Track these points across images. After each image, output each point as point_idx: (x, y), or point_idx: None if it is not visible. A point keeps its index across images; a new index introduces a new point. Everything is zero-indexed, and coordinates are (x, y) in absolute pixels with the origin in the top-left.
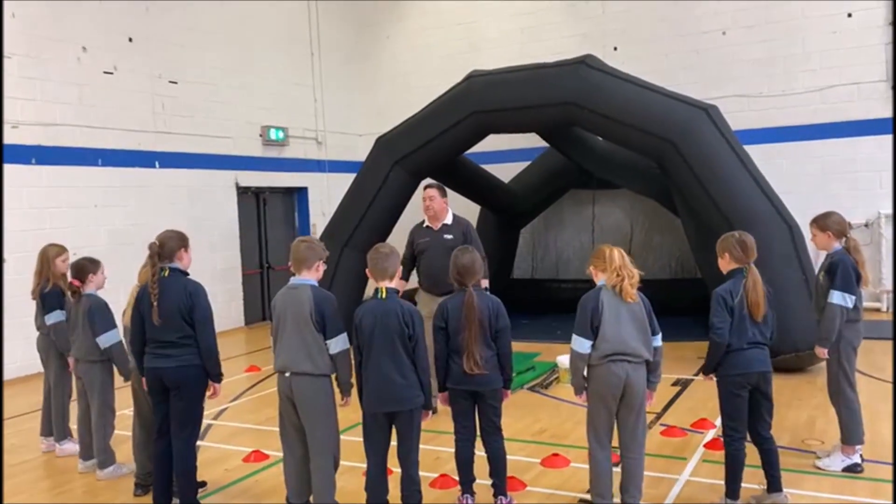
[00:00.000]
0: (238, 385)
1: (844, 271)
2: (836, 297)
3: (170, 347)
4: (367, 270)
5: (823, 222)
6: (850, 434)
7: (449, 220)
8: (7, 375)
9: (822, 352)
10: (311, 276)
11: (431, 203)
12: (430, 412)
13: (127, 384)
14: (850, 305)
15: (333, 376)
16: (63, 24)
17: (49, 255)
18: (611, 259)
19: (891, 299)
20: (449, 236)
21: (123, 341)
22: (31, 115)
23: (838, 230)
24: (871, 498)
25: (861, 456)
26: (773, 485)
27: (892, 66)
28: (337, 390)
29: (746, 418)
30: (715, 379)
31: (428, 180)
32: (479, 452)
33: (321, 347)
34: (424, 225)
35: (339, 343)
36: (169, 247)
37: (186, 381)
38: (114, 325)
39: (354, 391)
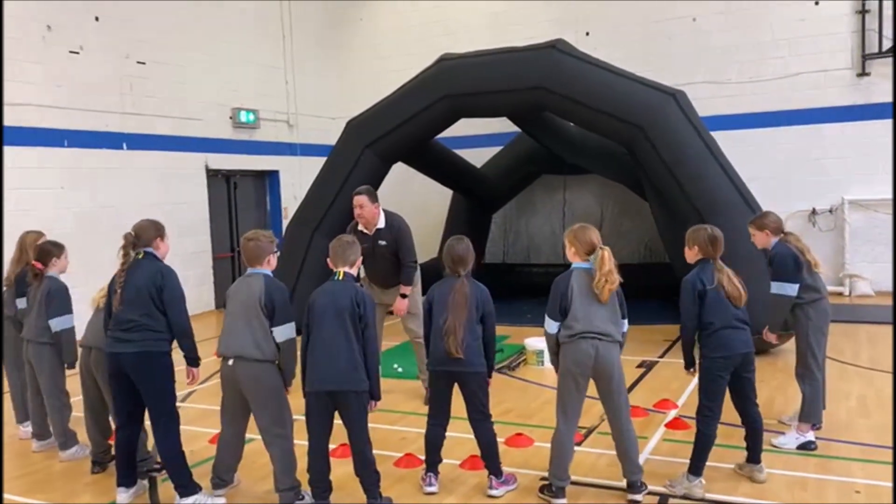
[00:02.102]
0: (206, 368)
1: (779, 262)
2: (774, 287)
3: (131, 330)
4: (328, 259)
5: (761, 222)
6: (811, 413)
7: (382, 223)
8: None
9: (770, 336)
10: (264, 269)
11: (362, 211)
12: (375, 402)
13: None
14: (791, 293)
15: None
16: (27, 2)
17: (27, 243)
18: (601, 262)
19: (853, 283)
20: (383, 242)
21: (75, 328)
22: None
23: (775, 228)
24: (822, 474)
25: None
26: (754, 457)
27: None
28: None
29: (723, 399)
30: (698, 361)
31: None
32: (450, 433)
33: (267, 334)
34: (359, 228)
35: (285, 331)
36: (145, 237)
37: (145, 369)
38: (69, 311)
39: (297, 382)
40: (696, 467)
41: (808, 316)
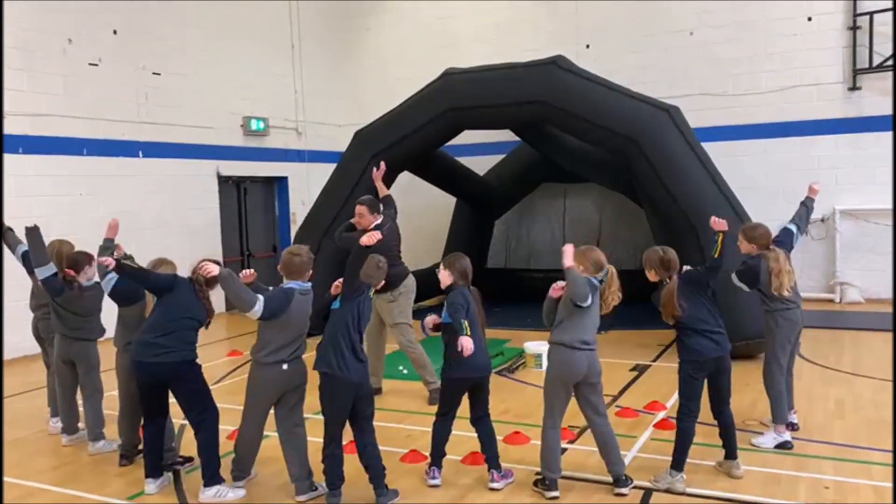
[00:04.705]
0: (220, 369)
1: (743, 270)
2: (734, 279)
3: (165, 338)
4: (360, 272)
5: (752, 235)
6: (777, 414)
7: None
8: None
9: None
10: (307, 282)
11: (361, 220)
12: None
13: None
14: (745, 290)
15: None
16: (49, 17)
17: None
18: (611, 279)
19: (843, 290)
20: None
21: None
22: (18, 106)
23: (763, 243)
24: (796, 471)
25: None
26: (729, 453)
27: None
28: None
29: (700, 399)
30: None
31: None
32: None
33: None
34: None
35: None
36: None
37: (177, 377)
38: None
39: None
40: (677, 462)
41: (777, 324)
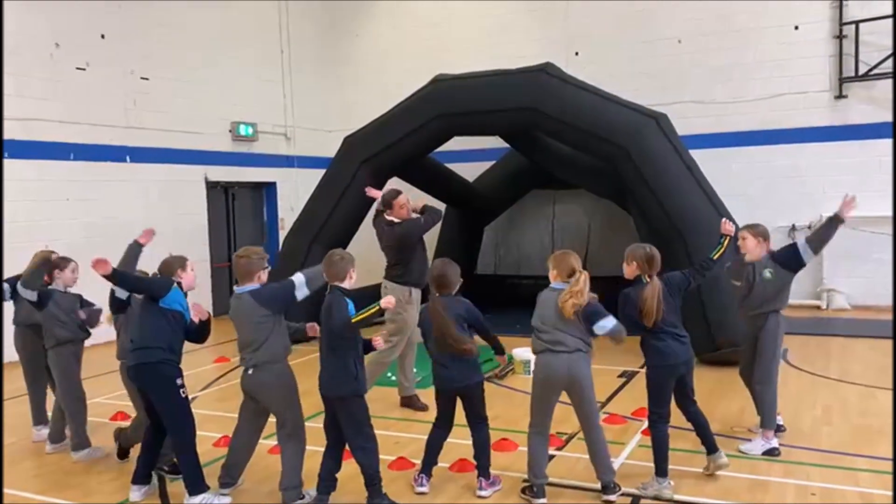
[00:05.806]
0: (208, 375)
1: (786, 252)
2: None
3: (136, 343)
4: (322, 273)
5: (756, 230)
6: (770, 418)
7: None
8: None
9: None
10: (254, 284)
11: (407, 202)
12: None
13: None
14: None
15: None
16: (36, 21)
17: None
18: (574, 283)
19: (830, 297)
20: (415, 214)
21: None
22: (5, 110)
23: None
24: (784, 478)
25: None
26: (710, 448)
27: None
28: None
29: (670, 404)
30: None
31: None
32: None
33: (269, 339)
34: (397, 219)
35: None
36: (168, 271)
37: (148, 378)
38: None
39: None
40: (660, 469)
41: (779, 323)
